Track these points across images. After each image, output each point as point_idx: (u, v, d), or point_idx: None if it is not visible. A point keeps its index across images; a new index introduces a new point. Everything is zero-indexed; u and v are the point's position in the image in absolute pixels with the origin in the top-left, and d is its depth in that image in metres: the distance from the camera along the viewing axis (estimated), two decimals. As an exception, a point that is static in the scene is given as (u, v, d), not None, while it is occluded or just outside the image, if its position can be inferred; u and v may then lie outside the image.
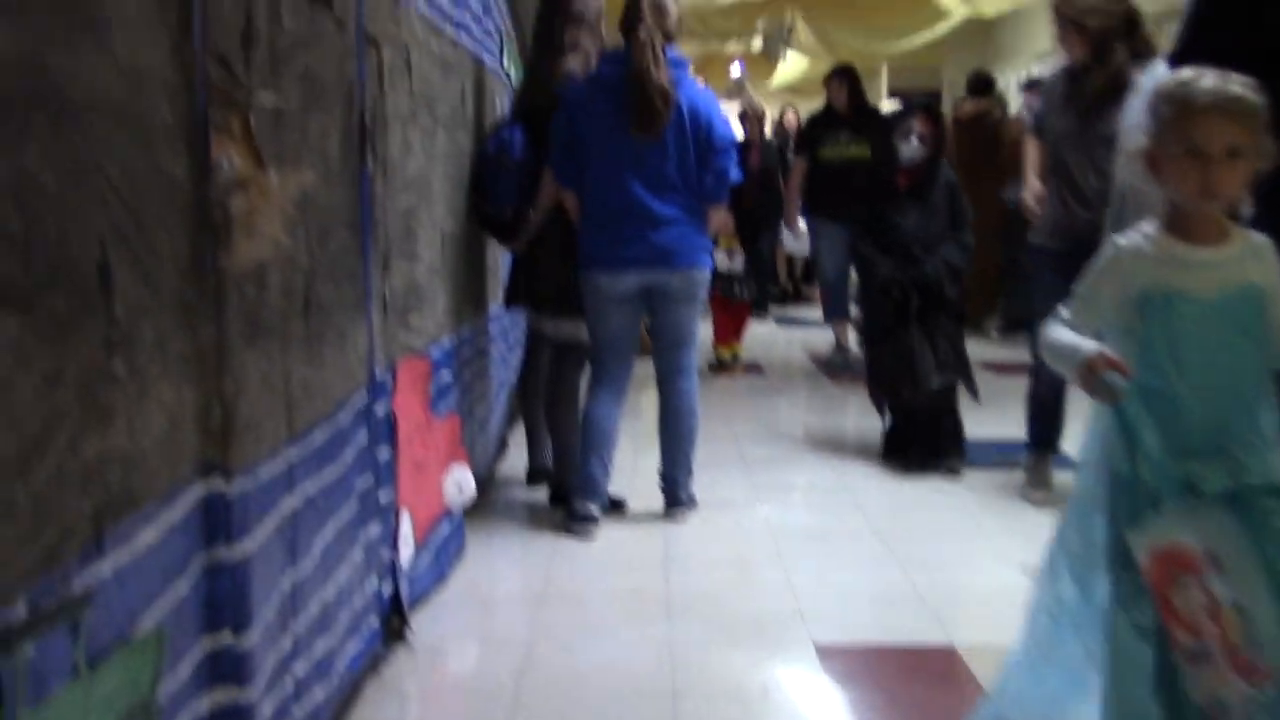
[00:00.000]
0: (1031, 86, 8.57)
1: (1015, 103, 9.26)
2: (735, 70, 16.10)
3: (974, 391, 4.84)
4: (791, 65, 14.89)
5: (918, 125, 4.73)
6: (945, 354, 4.70)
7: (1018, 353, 6.83)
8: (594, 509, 3.98)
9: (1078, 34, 4.02)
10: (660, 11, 3.92)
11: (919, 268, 4.70)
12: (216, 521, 1.82)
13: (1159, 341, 1.99)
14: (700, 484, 4.22)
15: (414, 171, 3.20)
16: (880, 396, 4.95)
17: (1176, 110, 1.94)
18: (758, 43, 13.04)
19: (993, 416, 5.27)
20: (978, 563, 3.68)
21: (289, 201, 2.04)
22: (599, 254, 3.93)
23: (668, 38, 3.93)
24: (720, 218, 4.14)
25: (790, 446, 5.34)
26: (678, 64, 3.94)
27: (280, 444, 2.03)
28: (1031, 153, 4.46)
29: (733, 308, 7.36)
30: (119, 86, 1.51)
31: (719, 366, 7.35)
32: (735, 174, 4.03)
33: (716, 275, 6.62)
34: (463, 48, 3.90)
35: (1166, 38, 3.81)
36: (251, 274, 1.90)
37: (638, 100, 3.82)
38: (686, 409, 4.11)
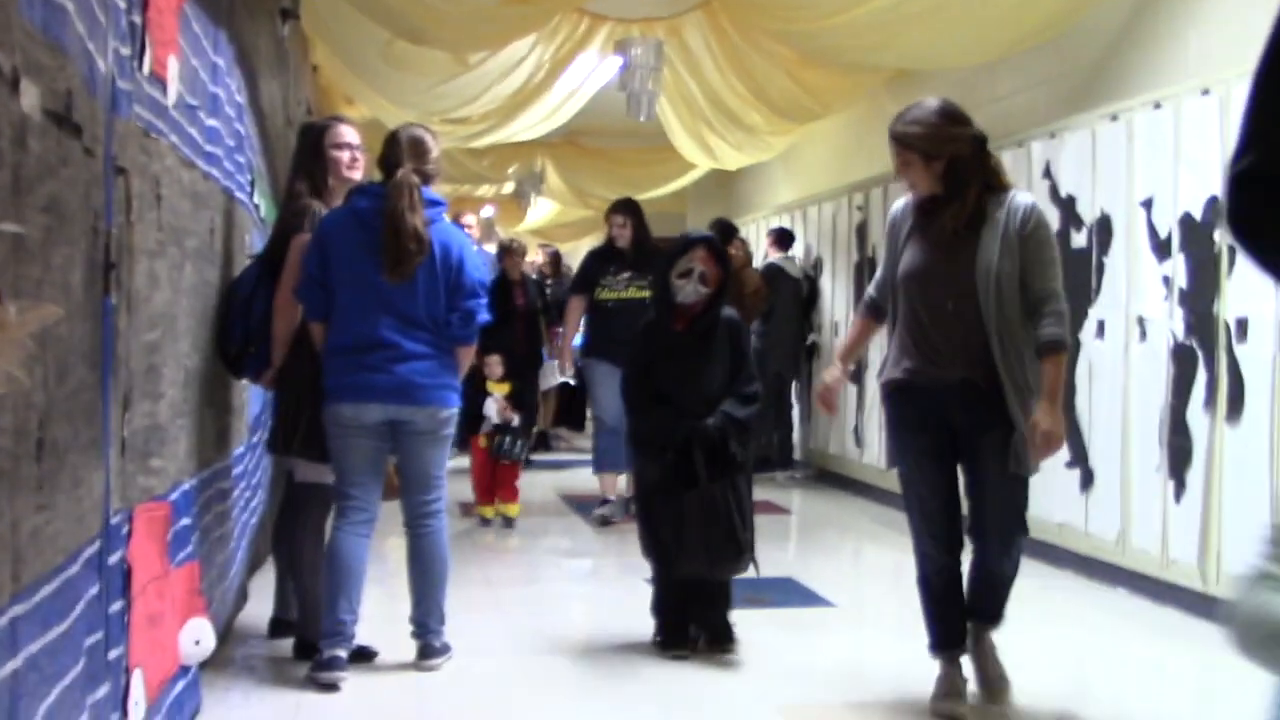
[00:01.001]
0: (775, 235, 9.11)
1: (760, 249, 9.72)
2: (487, 211, 16.32)
3: (755, 566, 4.22)
4: (542, 210, 15.25)
5: (699, 262, 4.13)
6: (725, 526, 4.04)
7: (761, 490, 7.03)
8: (341, 653, 3.79)
9: (925, 165, 3.54)
10: (420, 150, 3.91)
11: (696, 422, 4.09)
12: (-75, 690, 1.63)
13: None
14: (454, 630, 4.09)
15: (160, 306, 3.05)
16: (652, 562, 4.28)
17: None
18: (510, 186, 13.30)
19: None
20: (741, 707, 3.70)
21: (27, 336, 1.90)
22: (342, 384, 3.84)
23: (426, 177, 3.91)
24: (468, 358, 4.08)
25: (548, 591, 5.27)
26: (433, 204, 3.91)
27: (4, 600, 1.84)
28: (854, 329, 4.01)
29: (502, 467, 6.76)
30: None
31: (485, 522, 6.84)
32: (484, 316, 4.00)
33: (486, 428, 6.54)
34: (214, 180, 3.80)
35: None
36: (-19, 413, 1.75)
37: (391, 242, 3.77)
38: (435, 552, 3.99)
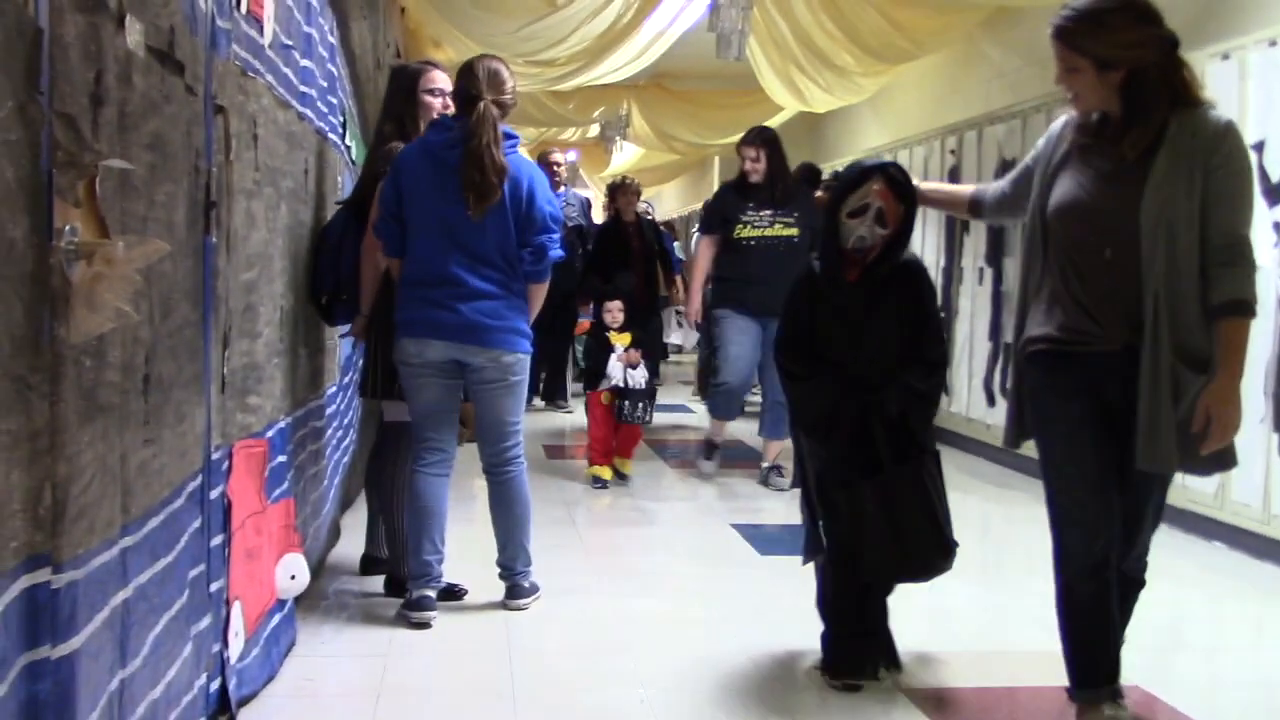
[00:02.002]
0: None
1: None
2: (571, 155, 16.29)
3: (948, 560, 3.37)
4: (627, 154, 15.18)
5: (875, 197, 3.23)
6: (918, 518, 3.26)
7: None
8: (430, 593, 3.84)
9: (1097, 75, 2.78)
10: (497, 81, 3.80)
11: (872, 395, 3.27)
12: (40, 617, 1.67)
13: None
14: (541, 569, 4.13)
15: (257, 246, 3.08)
16: (823, 565, 3.43)
17: None
18: (595, 130, 13.24)
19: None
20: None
21: (134, 272, 1.92)
22: (407, 319, 3.80)
23: (504, 109, 3.81)
24: (540, 297, 3.94)
25: (632, 531, 5.29)
26: (507, 137, 3.81)
27: (114, 532, 1.88)
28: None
29: (625, 428, 6.23)
30: (-43, 143, 1.39)
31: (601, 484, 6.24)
32: (557, 251, 3.88)
33: (607, 385, 6.03)
34: (308, 121, 3.81)
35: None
36: (91, 348, 1.77)
37: (475, 177, 3.69)
38: (514, 496, 3.96)
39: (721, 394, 6.39)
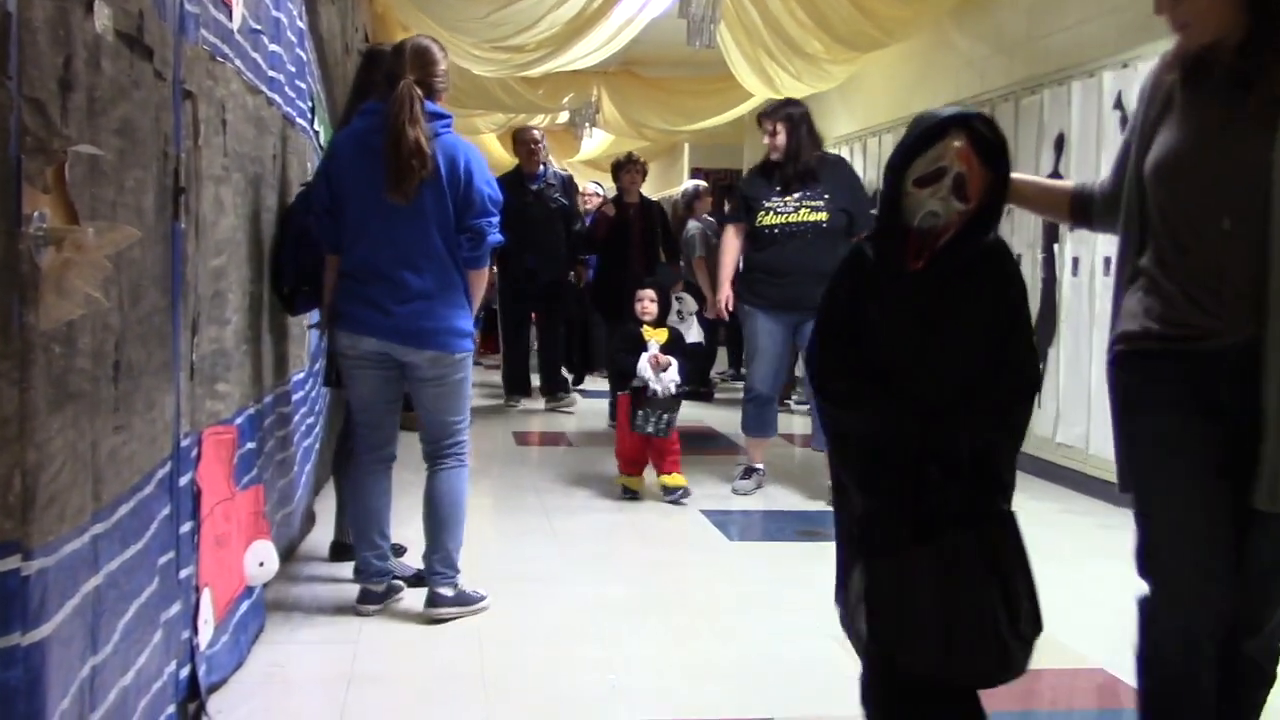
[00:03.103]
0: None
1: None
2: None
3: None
4: (596, 140, 15.15)
5: (954, 160, 2.30)
6: (987, 603, 2.27)
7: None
8: (373, 588, 3.79)
9: None
10: (424, 60, 3.60)
11: (939, 425, 2.31)
12: (11, 605, 1.66)
13: None
14: (512, 557, 4.14)
15: (225, 231, 3.07)
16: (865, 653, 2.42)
17: None
18: (564, 117, 13.20)
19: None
20: (793, 635, 3.71)
21: (104, 258, 1.91)
22: (342, 310, 3.66)
23: (430, 90, 3.61)
24: (481, 284, 3.76)
25: (601, 518, 5.31)
26: (437, 116, 3.60)
27: (85, 519, 1.87)
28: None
29: (654, 440, 5.42)
30: (-74, 128, 1.38)
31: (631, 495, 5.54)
32: (495, 236, 3.68)
33: (637, 393, 5.32)
34: (276, 107, 3.79)
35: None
36: (60, 334, 1.77)
37: (391, 158, 3.49)
38: (443, 492, 3.75)
39: (750, 404, 5.73)
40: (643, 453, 5.48)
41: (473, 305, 3.74)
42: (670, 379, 5.26)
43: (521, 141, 8.29)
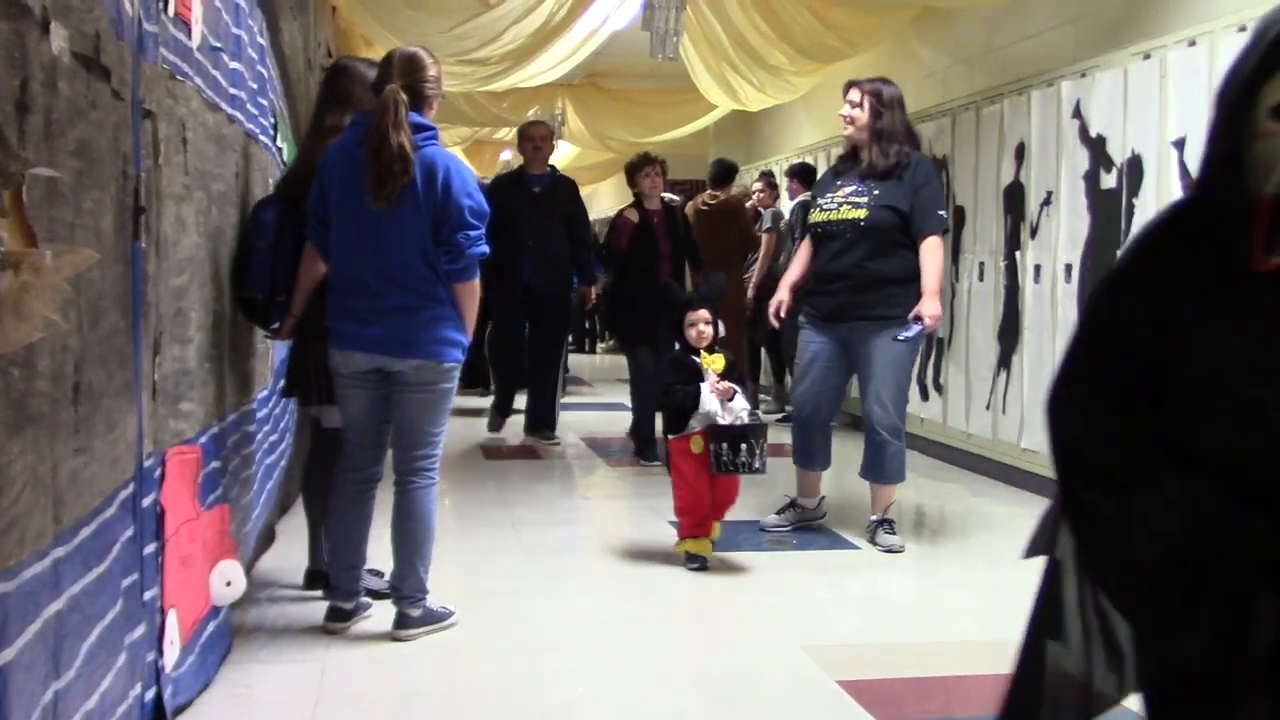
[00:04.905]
0: (795, 173, 8.99)
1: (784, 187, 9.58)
2: (505, 154, 16.25)
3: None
4: (561, 152, 15.15)
5: None
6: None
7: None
8: (342, 605, 3.78)
9: None
10: (412, 66, 3.59)
11: None
12: (-30, 631, 1.65)
13: None
14: (480, 572, 4.13)
15: (187, 250, 3.05)
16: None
17: None
18: (529, 129, 13.20)
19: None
20: (764, 645, 3.72)
21: (63, 280, 1.90)
22: (332, 328, 3.67)
23: (418, 96, 3.58)
24: (471, 299, 3.66)
25: (570, 531, 5.30)
26: (421, 128, 3.57)
27: (46, 542, 1.86)
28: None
29: (719, 482, 4.54)
30: (-121, 153, 1.37)
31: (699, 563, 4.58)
32: (478, 248, 3.59)
33: (700, 426, 4.44)
34: (238, 124, 3.78)
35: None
36: (19, 358, 1.75)
37: (373, 163, 3.47)
38: (413, 511, 3.70)
39: (794, 430, 5.12)
40: (709, 505, 4.57)
41: (464, 318, 3.67)
42: (740, 407, 4.49)
43: (527, 137, 7.47)
